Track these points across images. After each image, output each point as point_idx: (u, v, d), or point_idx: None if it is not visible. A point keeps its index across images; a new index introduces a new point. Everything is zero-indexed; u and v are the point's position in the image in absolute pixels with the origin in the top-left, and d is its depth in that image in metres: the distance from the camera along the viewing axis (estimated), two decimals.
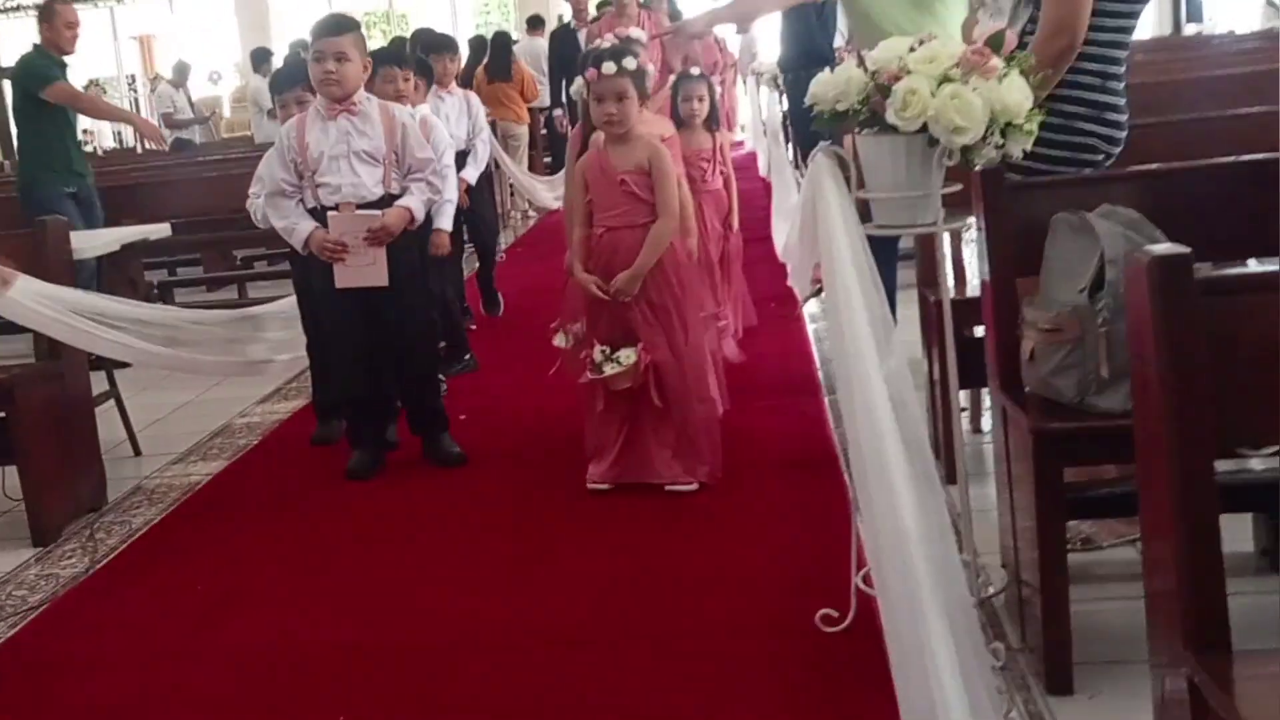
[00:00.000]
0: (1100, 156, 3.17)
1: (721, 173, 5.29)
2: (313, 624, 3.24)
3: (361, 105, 4.23)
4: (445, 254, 5.25)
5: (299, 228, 4.20)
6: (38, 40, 6.83)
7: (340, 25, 4.26)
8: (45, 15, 6.77)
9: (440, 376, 4.89)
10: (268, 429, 5.17)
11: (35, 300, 4.05)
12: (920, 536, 2.00)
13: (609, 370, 3.80)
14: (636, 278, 3.86)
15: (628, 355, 3.80)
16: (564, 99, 8.97)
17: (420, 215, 4.30)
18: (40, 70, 6.65)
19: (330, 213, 4.17)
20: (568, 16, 10.27)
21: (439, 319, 5.12)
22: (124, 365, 4.94)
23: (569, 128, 8.55)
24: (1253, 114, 3.77)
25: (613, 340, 3.88)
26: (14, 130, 7.28)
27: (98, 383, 4.70)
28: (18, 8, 17.99)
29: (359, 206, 4.18)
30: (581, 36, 8.15)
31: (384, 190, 4.22)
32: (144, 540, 4.02)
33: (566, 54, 8.56)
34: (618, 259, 3.90)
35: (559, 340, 4.19)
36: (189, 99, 14.64)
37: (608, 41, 4.17)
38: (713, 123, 5.27)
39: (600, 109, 3.91)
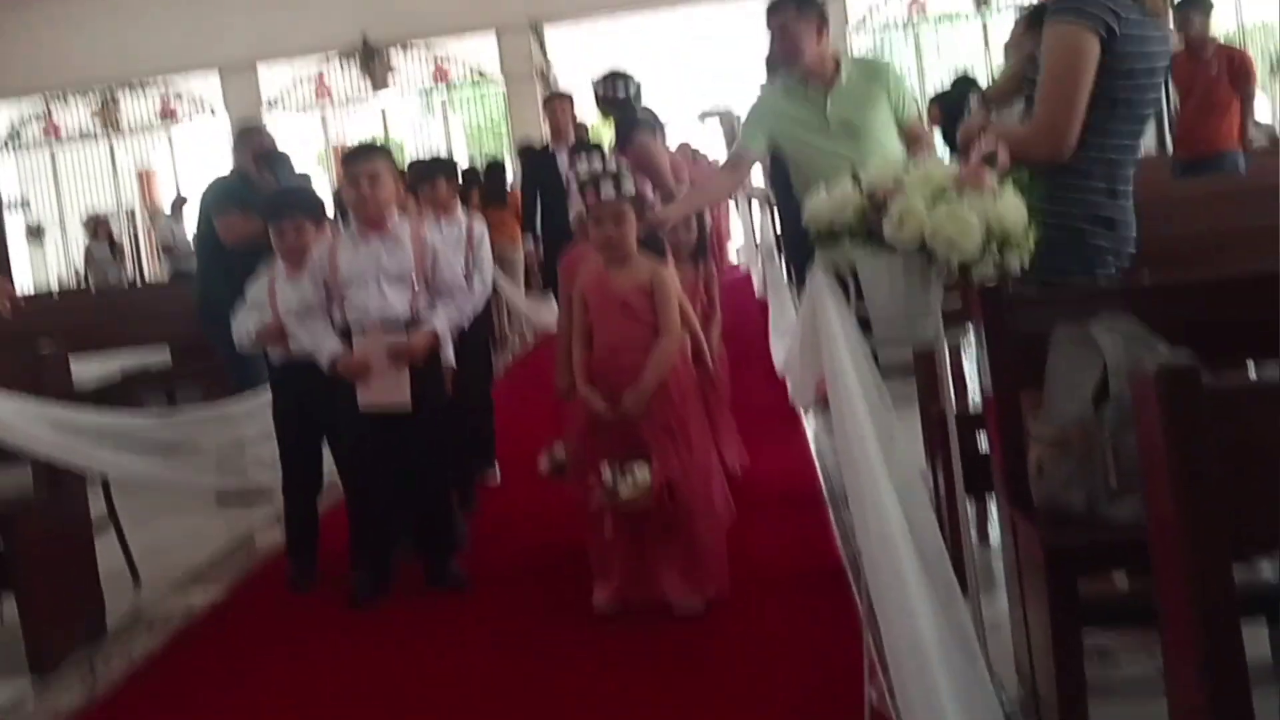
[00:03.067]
0: (1110, 267, 3.21)
1: (703, 309, 4.78)
2: None
3: (394, 228, 4.32)
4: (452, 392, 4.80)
5: (325, 346, 4.26)
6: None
7: (374, 149, 4.42)
8: None
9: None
10: (267, 555, 5.13)
11: (27, 421, 4.05)
12: (939, 649, 1.98)
13: (625, 493, 3.77)
14: (643, 396, 3.87)
15: (643, 474, 3.78)
16: (535, 227, 8.08)
17: (446, 336, 4.37)
18: None
19: (356, 334, 4.21)
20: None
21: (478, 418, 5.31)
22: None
23: (540, 258, 8.13)
24: (1238, 228, 3.84)
25: (614, 461, 3.86)
26: None
27: (96, 507, 4.67)
28: None
29: (385, 327, 4.22)
30: (562, 159, 7.91)
31: (411, 312, 4.28)
32: (144, 670, 3.97)
33: (541, 178, 7.89)
34: (621, 379, 3.91)
35: (542, 465, 4.19)
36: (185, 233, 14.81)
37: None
38: (700, 254, 4.97)
39: (599, 231, 3.97)
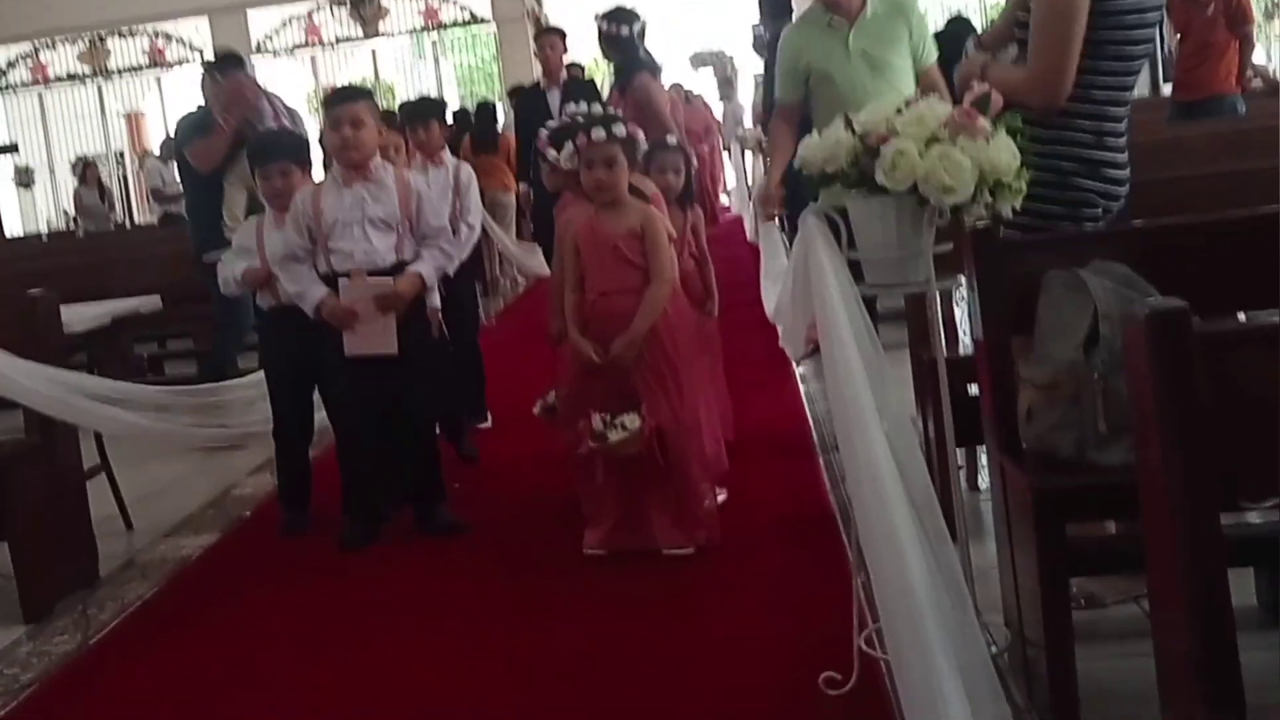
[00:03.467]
0: (1098, 210, 3.21)
1: (693, 255, 4.64)
2: (306, 701, 3.20)
3: (377, 172, 4.28)
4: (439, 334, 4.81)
5: (311, 293, 4.23)
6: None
7: (355, 93, 4.39)
8: None
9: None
10: (260, 500, 5.13)
11: (26, 378, 4.04)
12: (929, 593, 1.99)
13: (614, 438, 3.78)
14: (634, 343, 3.87)
15: (632, 421, 3.79)
16: (529, 172, 7.90)
17: (432, 282, 4.34)
18: None
19: (342, 279, 4.20)
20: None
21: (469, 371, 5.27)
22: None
23: (531, 201, 7.82)
24: (1238, 171, 3.82)
25: (608, 406, 3.87)
26: None
27: (89, 457, 4.67)
28: None
29: (371, 273, 4.20)
30: (553, 98, 7.46)
31: (396, 258, 4.25)
32: (137, 616, 3.98)
33: (534, 118, 7.13)
34: (613, 324, 3.90)
35: (537, 409, 4.20)
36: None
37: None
38: (686, 199, 4.76)
39: (590, 175, 3.95)
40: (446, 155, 5.52)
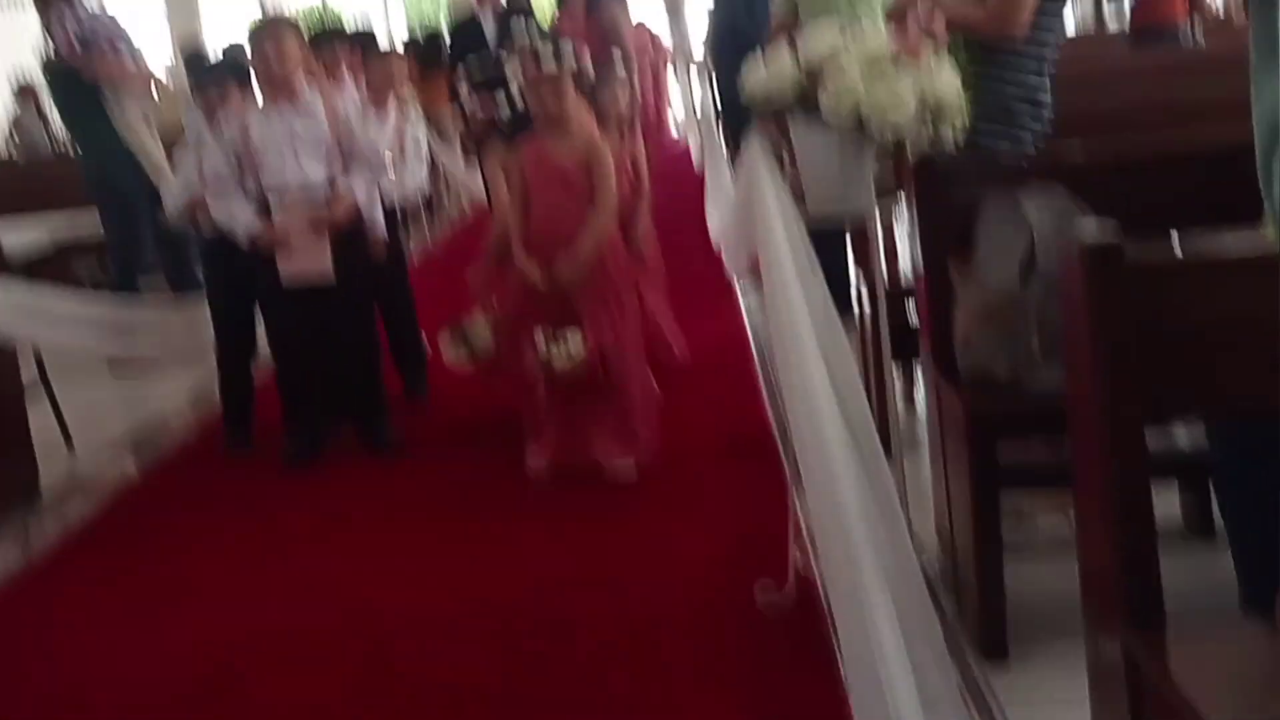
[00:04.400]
0: (1032, 148, 3.25)
1: (630, 182, 4.61)
2: (251, 616, 3.23)
3: (304, 96, 4.24)
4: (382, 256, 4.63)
5: (242, 219, 4.19)
6: None
7: (279, 20, 4.43)
8: None
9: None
10: (204, 420, 5.11)
11: None
12: (862, 509, 2.04)
13: (558, 359, 3.80)
14: (578, 266, 3.89)
15: (575, 342, 3.81)
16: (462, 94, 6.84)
17: (364, 201, 4.30)
18: None
19: (274, 203, 4.15)
20: None
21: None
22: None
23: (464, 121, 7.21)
24: (1181, 99, 3.86)
25: (549, 327, 3.88)
26: None
27: (27, 373, 4.64)
28: None
29: (303, 193, 4.17)
30: (486, 24, 6.94)
31: (328, 180, 4.22)
32: (79, 533, 3.98)
33: (466, 47, 6.91)
34: (557, 247, 3.91)
35: (449, 351, 4.15)
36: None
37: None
38: (625, 125, 4.77)
39: (539, 104, 3.95)
40: (391, 105, 5.27)
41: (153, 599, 3.39)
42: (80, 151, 6.62)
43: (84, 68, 6.11)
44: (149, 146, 6.26)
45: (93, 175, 6.28)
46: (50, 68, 6.50)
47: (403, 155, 5.16)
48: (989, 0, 3.20)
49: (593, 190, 3.95)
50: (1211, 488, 2.77)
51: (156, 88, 6.60)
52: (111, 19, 6.47)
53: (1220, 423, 2.20)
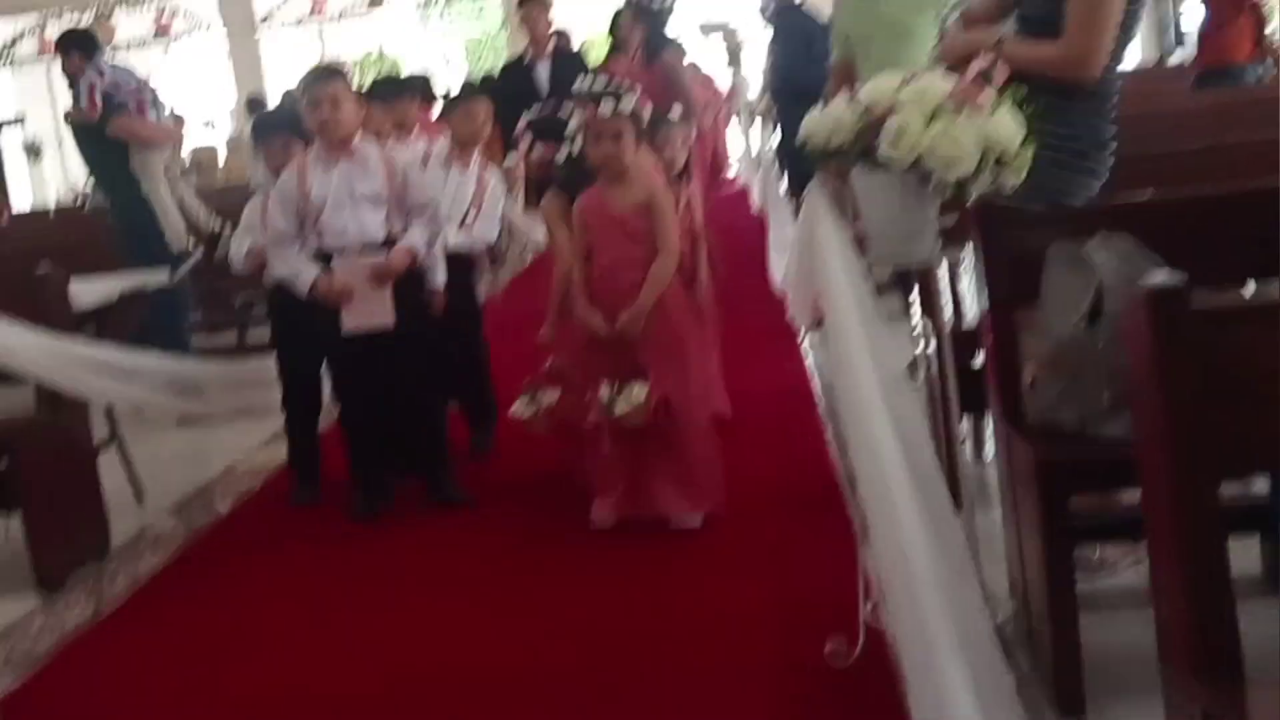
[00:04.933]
0: (1095, 191, 3.20)
1: (688, 231, 4.49)
2: (317, 673, 3.23)
3: (360, 149, 4.28)
4: (443, 311, 4.58)
5: (304, 273, 4.24)
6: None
7: (331, 71, 4.35)
8: None
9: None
10: (271, 472, 5.15)
11: (37, 351, 4.07)
12: (931, 564, 2.00)
13: (620, 408, 3.80)
14: (640, 314, 3.89)
15: (639, 392, 3.81)
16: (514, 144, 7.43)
17: (423, 253, 4.33)
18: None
19: (336, 258, 4.20)
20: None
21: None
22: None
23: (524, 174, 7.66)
24: (1245, 142, 3.80)
25: (614, 378, 3.88)
26: None
27: (100, 429, 4.71)
28: None
29: (363, 249, 4.21)
30: (542, 70, 7.13)
31: (387, 232, 4.26)
32: (149, 588, 4.02)
33: (518, 92, 6.90)
34: (620, 297, 3.92)
35: (520, 408, 4.13)
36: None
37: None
38: (685, 176, 4.74)
39: (598, 148, 3.95)
40: (475, 156, 5.13)
41: (216, 651, 3.42)
42: (110, 207, 6.84)
43: (107, 125, 6.30)
44: (167, 204, 6.46)
45: (120, 231, 6.52)
46: (74, 121, 6.69)
47: (479, 208, 5.08)
48: (1063, 37, 3.14)
49: (654, 239, 3.95)
50: None
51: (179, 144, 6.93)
52: (135, 76, 6.70)
53: None
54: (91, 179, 7.63)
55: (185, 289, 6.25)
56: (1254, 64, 7.58)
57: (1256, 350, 1.77)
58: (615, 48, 7.12)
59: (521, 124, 4.55)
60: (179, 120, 10.27)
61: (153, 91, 6.69)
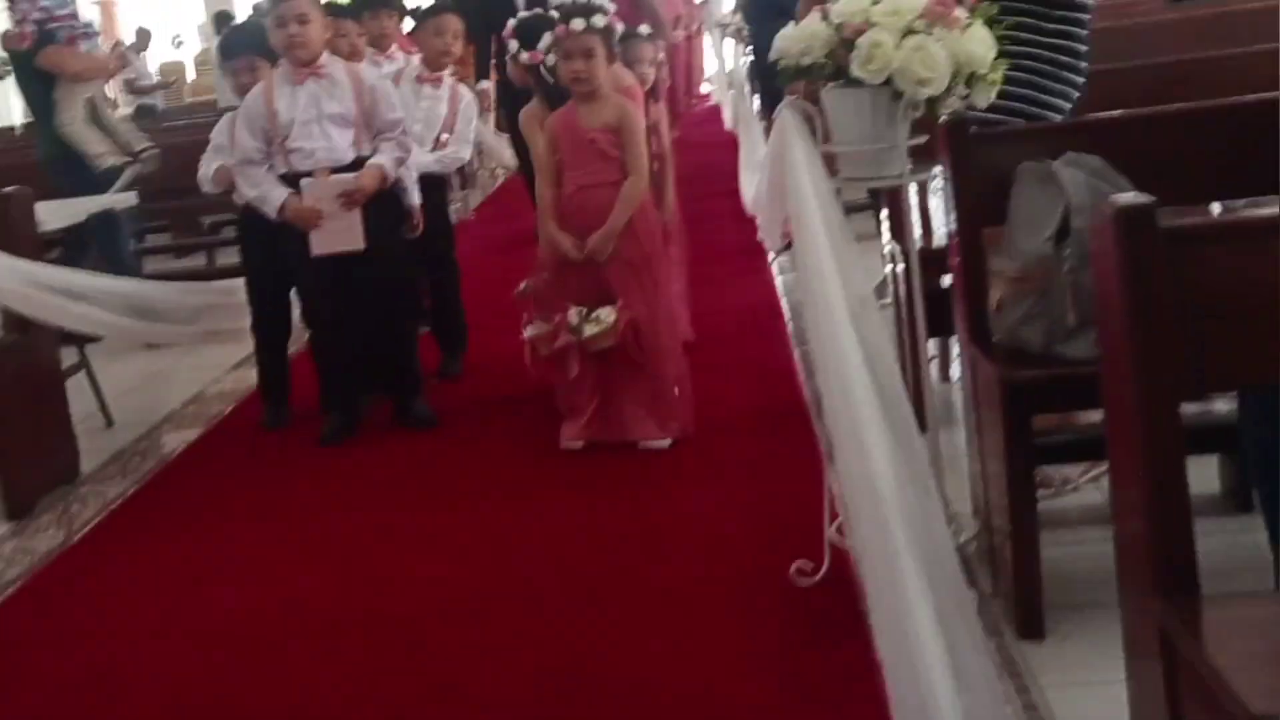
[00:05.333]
0: (1068, 105, 3.19)
1: (654, 154, 4.42)
2: (290, 593, 3.24)
3: (328, 68, 4.22)
4: (420, 232, 4.64)
5: (272, 195, 4.18)
6: None
7: None
8: None
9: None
10: (241, 396, 5.15)
11: (2, 274, 4.02)
12: (895, 485, 2.01)
13: (589, 330, 3.80)
14: (610, 237, 3.87)
15: (607, 314, 3.81)
16: (489, 70, 7.06)
17: (393, 174, 4.29)
18: None
19: (304, 179, 4.15)
20: None
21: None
22: (94, 339, 4.93)
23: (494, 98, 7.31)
24: (1219, 57, 3.78)
25: (584, 300, 3.88)
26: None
27: (68, 355, 4.67)
28: None
29: (332, 170, 4.16)
30: None
31: (356, 153, 4.21)
32: (119, 512, 4.01)
33: (493, 6, 6.70)
34: (590, 218, 3.90)
35: (530, 331, 4.11)
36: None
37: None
38: (653, 96, 4.69)
39: (568, 66, 3.91)
40: (446, 77, 5.13)
41: (190, 575, 3.42)
42: (37, 137, 6.85)
43: (37, 54, 6.32)
44: (86, 136, 6.45)
45: (43, 160, 6.50)
46: (8, 49, 6.66)
47: (452, 129, 5.06)
48: None
49: (624, 156, 3.92)
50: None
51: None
52: (73, 12, 6.64)
53: (1252, 394, 2.16)
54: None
55: (114, 214, 6.14)
56: None
57: (1224, 270, 1.77)
58: None
59: (509, 28, 4.46)
60: (118, 50, 10.08)
61: (88, 23, 6.65)
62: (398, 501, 3.80)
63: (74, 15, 6.64)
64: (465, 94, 5.19)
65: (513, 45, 4.42)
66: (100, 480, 4.33)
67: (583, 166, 3.94)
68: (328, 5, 4.64)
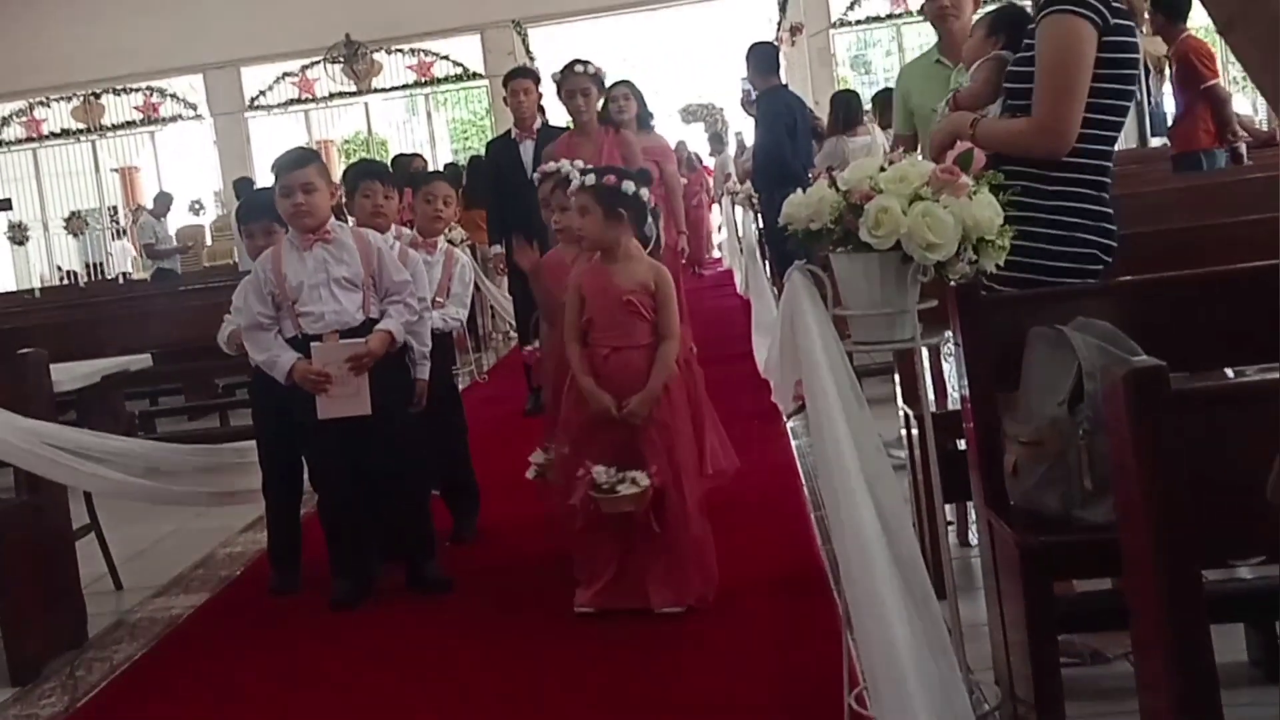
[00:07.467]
0: (1100, 267, 3.20)
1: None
2: None
3: (335, 232, 4.29)
4: (423, 406, 4.62)
5: (280, 360, 4.21)
6: None
7: (303, 158, 4.35)
8: None
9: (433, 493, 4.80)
10: (251, 559, 5.11)
11: (14, 435, 4.03)
12: (913, 651, 1.98)
13: (623, 491, 3.74)
14: (652, 400, 3.84)
15: (641, 479, 3.76)
16: (502, 232, 7.13)
17: (401, 337, 4.32)
18: None
19: (314, 343, 4.19)
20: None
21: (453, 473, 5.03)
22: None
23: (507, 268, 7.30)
24: (1226, 224, 3.83)
25: (609, 460, 3.82)
26: None
27: (78, 515, 4.66)
28: None
29: (342, 333, 4.20)
30: (525, 150, 7.08)
31: (365, 315, 4.26)
32: (125, 677, 3.95)
33: (503, 170, 7.09)
34: (626, 379, 3.86)
35: (530, 472, 4.09)
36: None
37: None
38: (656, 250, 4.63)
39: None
40: (441, 241, 5.24)
41: None
42: None
43: None
44: None
45: None
46: None
47: (448, 291, 5.13)
48: (1035, 112, 3.14)
49: (657, 317, 3.91)
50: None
51: None
52: None
53: None
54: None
55: None
56: (1218, 150, 7.57)
57: (1240, 434, 1.77)
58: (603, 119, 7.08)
59: (546, 186, 4.58)
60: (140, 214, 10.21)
61: None
62: (408, 670, 3.73)
63: None
64: (461, 257, 5.30)
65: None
66: (106, 645, 4.26)
67: (616, 328, 3.91)
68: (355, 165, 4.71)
